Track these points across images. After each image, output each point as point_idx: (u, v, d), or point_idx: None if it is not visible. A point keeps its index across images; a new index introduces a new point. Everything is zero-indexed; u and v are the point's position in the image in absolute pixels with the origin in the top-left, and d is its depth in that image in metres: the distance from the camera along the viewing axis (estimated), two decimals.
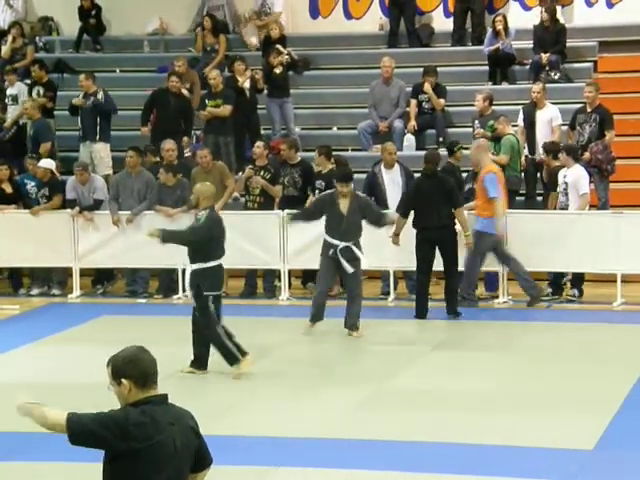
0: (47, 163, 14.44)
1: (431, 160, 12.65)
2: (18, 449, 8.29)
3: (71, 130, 16.14)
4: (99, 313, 13.19)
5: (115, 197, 14.11)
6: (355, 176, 14.32)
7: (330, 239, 11.60)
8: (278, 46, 16.41)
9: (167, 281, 14.11)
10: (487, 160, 13.12)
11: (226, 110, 15.20)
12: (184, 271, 13.85)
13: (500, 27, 16.27)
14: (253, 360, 10.13)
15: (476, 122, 14.85)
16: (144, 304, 13.83)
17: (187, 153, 15.36)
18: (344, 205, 11.59)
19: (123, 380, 4.32)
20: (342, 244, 11.51)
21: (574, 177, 13.15)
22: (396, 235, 12.44)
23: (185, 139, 15.49)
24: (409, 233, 13.30)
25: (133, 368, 4.33)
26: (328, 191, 12.21)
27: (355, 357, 10.95)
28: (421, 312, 12.34)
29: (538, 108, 14.76)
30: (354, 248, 11.54)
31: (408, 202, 12.48)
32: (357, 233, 11.66)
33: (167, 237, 10.48)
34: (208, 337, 10.08)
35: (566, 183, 13.26)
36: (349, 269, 11.53)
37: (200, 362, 10.18)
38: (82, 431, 4.30)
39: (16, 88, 16.54)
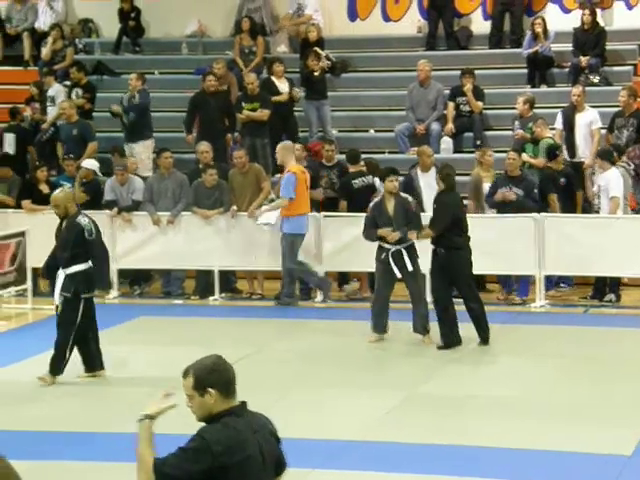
0: (91, 164, 14.50)
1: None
2: (50, 448, 8.34)
3: (108, 132, 16.25)
4: (136, 314, 13.26)
5: (150, 199, 14.17)
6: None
7: (383, 244, 11.48)
8: (317, 49, 16.42)
9: (203, 282, 14.16)
10: (291, 161, 13.29)
11: (264, 115, 15.23)
12: (220, 272, 14.00)
13: (539, 30, 16.19)
14: (101, 375, 10.32)
15: (516, 123, 14.78)
16: (180, 305, 13.88)
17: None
18: (391, 207, 11.51)
19: (210, 389, 4.22)
20: (394, 247, 11.42)
21: (606, 180, 13.11)
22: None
23: (228, 136, 15.56)
24: None
25: (218, 377, 4.25)
26: (377, 197, 12.04)
27: (388, 361, 10.92)
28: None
29: (577, 111, 14.68)
30: (404, 252, 11.38)
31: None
32: (406, 235, 11.45)
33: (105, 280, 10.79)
34: (60, 336, 10.12)
35: (599, 186, 13.22)
36: (398, 274, 11.39)
37: (95, 362, 10.31)
38: None
39: (54, 89, 16.67)
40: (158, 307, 13.68)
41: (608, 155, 13.34)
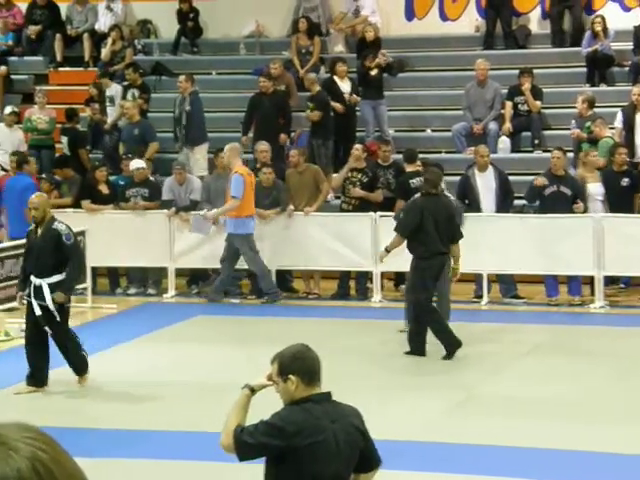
0: (139, 164, 14.60)
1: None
2: (111, 446, 8.43)
3: (166, 132, 16.37)
4: (194, 313, 13.35)
5: (207, 199, 14.26)
6: (449, 179, 14.35)
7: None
8: (382, 52, 16.43)
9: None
10: (238, 162, 13.53)
11: (314, 116, 15.25)
12: (277, 272, 14.05)
13: (599, 28, 16.04)
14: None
15: (573, 122, 14.66)
16: (237, 304, 13.95)
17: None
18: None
19: (290, 376, 4.41)
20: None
21: None
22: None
23: (282, 136, 15.61)
24: (503, 235, 13.21)
25: (300, 365, 4.43)
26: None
27: (448, 361, 10.88)
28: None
29: (638, 111, 14.52)
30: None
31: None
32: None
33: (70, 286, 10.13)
34: (69, 346, 9.85)
35: None
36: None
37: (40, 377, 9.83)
38: (245, 451, 4.46)
39: (113, 90, 16.84)
40: (215, 306, 13.76)
41: None
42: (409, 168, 13.80)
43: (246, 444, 4.39)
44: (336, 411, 4.47)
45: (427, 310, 10.76)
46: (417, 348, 10.84)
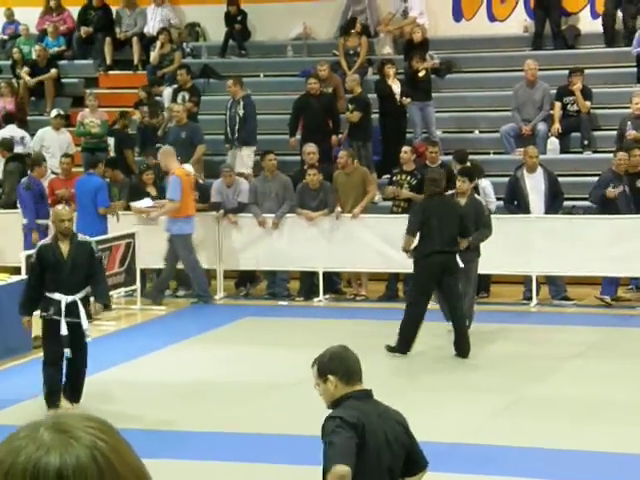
0: (188, 168, 14.65)
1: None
2: (162, 446, 8.48)
3: (215, 134, 16.45)
4: (242, 314, 13.39)
5: (254, 201, 14.32)
6: (497, 180, 14.28)
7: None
8: (429, 54, 16.40)
9: (308, 284, 14.23)
10: (174, 164, 13.73)
11: (354, 117, 15.24)
12: (324, 274, 14.06)
13: None
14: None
15: (629, 123, 14.47)
16: (286, 306, 13.97)
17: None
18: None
19: (329, 376, 4.47)
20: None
21: None
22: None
23: (334, 138, 15.63)
24: (552, 237, 13.11)
25: (338, 365, 4.48)
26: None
27: (498, 363, 10.82)
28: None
29: None
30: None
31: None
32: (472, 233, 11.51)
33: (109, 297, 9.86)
34: (84, 369, 9.38)
35: None
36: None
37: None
38: (345, 457, 4.34)
39: (164, 94, 16.95)
40: (263, 308, 13.80)
41: None
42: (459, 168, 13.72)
43: (349, 466, 4.28)
44: (379, 407, 4.52)
45: (415, 303, 10.85)
46: (404, 345, 10.96)
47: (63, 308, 9.02)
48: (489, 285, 14.04)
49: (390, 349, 10.94)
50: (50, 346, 9.22)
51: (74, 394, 9.36)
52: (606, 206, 13.28)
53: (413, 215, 11.32)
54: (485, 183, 13.96)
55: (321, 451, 4.46)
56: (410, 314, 10.88)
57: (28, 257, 10.74)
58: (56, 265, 9.06)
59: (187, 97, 16.64)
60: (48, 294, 9.07)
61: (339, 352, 4.55)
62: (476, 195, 11.88)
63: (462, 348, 10.83)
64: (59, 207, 9.65)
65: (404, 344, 10.89)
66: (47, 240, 9.47)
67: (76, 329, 9.10)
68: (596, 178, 14.77)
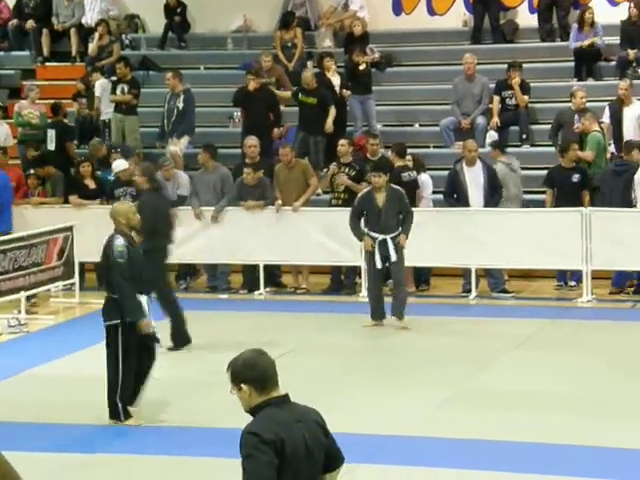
0: (122, 165, 14.50)
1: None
2: (103, 440, 8.42)
3: (154, 127, 16.34)
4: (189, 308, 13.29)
5: (195, 192, 14.27)
6: (437, 173, 14.36)
7: (370, 233, 11.86)
8: (370, 47, 16.43)
9: (250, 276, 14.19)
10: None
11: (333, 113, 15.14)
12: (265, 267, 14.05)
13: (590, 19, 16.07)
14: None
15: (576, 117, 14.55)
16: (226, 300, 13.94)
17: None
18: (380, 199, 11.79)
19: (242, 385, 4.26)
20: (380, 237, 11.74)
21: (638, 174, 13.09)
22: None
23: (276, 131, 15.60)
24: (490, 230, 13.23)
25: (250, 373, 4.26)
26: (366, 189, 12.27)
27: (438, 355, 10.90)
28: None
29: (625, 105, 14.55)
30: (389, 242, 11.70)
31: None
32: (395, 225, 11.80)
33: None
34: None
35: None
36: (378, 264, 11.75)
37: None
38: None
39: (101, 85, 16.80)
40: (203, 301, 13.74)
41: None
42: (398, 162, 13.81)
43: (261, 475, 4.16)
44: (298, 411, 4.32)
45: (168, 300, 11.02)
46: (180, 340, 11.07)
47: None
48: (429, 278, 14.14)
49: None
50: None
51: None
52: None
53: (147, 211, 10.82)
54: (424, 177, 14.06)
55: None
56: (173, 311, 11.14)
57: None
58: (135, 261, 8.91)
59: (126, 89, 16.51)
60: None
61: (252, 358, 4.29)
62: (393, 185, 12.03)
63: None
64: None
65: (175, 339, 11.12)
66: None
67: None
68: (534, 172, 14.95)
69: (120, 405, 8.74)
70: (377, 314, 12.00)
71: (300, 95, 15.50)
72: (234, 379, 4.28)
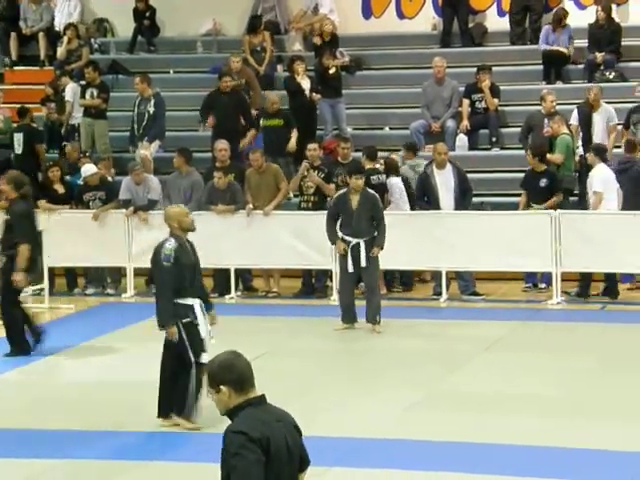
0: (91, 169, 14.44)
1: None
2: (69, 447, 8.37)
3: (124, 131, 16.29)
4: (152, 313, 13.17)
5: (167, 195, 14.25)
6: (407, 176, 14.37)
7: (344, 236, 11.87)
8: (340, 51, 16.44)
9: (221, 280, 14.16)
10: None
11: (295, 134, 15.03)
12: (237, 270, 14.02)
13: (564, 19, 16.19)
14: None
15: (545, 121, 14.61)
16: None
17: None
18: (355, 201, 11.81)
19: (221, 387, 4.27)
20: (354, 241, 11.72)
21: (591, 176, 13.30)
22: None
23: (248, 136, 15.55)
24: (461, 233, 13.27)
25: (229, 373, 4.27)
26: (341, 190, 12.29)
27: (408, 358, 10.91)
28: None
29: (594, 109, 14.62)
30: (362, 246, 11.69)
31: None
32: (369, 229, 11.77)
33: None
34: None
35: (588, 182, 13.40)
36: (350, 268, 11.75)
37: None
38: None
39: (70, 89, 16.72)
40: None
41: (600, 152, 13.37)
42: (368, 165, 13.83)
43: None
44: (276, 412, 4.35)
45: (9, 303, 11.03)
46: (17, 348, 11.03)
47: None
48: (412, 280, 14.18)
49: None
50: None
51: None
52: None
53: (22, 220, 10.98)
54: (394, 181, 14.06)
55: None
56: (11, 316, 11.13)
57: None
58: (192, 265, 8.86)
59: (95, 93, 16.46)
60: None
61: (229, 359, 4.31)
62: (368, 189, 12.06)
63: None
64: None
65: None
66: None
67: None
68: (504, 175, 15.02)
69: (192, 403, 8.63)
70: (348, 317, 12.00)
71: (263, 120, 15.38)
72: (212, 381, 4.30)
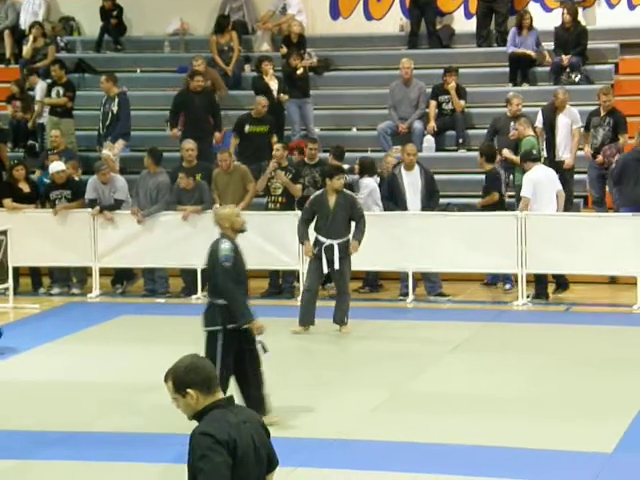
0: (59, 166, 14.37)
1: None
2: (35, 448, 8.32)
3: (91, 130, 16.21)
4: (118, 313, 13.22)
5: (137, 194, 14.20)
6: (376, 177, 14.38)
7: (318, 236, 11.83)
8: (308, 51, 16.45)
9: (191, 281, 14.09)
10: None
11: (275, 144, 14.61)
12: (203, 271, 13.96)
13: (528, 22, 16.29)
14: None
15: (511, 124, 14.67)
16: (163, 304, 13.85)
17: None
18: (332, 201, 11.78)
19: (188, 390, 4.25)
20: (328, 242, 11.69)
21: (523, 179, 13.38)
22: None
23: (217, 134, 15.54)
24: (428, 234, 13.31)
25: (195, 377, 4.26)
26: (319, 191, 12.27)
27: (374, 359, 10.93)
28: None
29: (559, 112, 14.70)
30: (336, 248, 11.63)
31: None
32: (344, 230, 11.74)
33: None
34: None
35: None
36: (325, 269, 11.71)
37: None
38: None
39: (37, 88, 16.63)
40: (140, 306, 13.66)
41: (528, 156, 13.47)
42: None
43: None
44: (244, 413, 4.35)
45: None
46: None
47: None
48: (376, 281, 14.20)
49: None
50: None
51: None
52: None
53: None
54: (366, 182, 14.03)
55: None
56: None
57: None
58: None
59: (62, 92, 16.38)
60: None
61: (194, 362, 4.30)
62: (345, 190, 12.06)
63: None
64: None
65: None
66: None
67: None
68: (470, 176, 15.06)
69: None
70: (306, 319, 11.91)
71: (248, 127, 15.16)
72: (178, 386, 4.28)
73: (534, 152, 13.68)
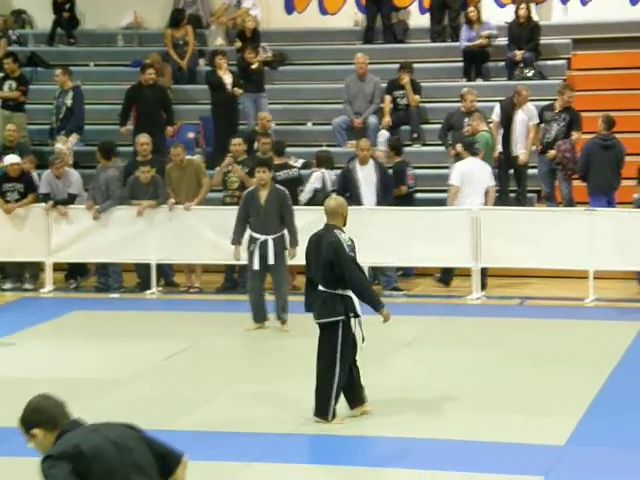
0: (14, 159, 14.26)
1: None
2: None
3: (43, 124, 16.09)
4: (71, 308, 13.13)
5: (92, 187, 14.11)
6: (331, 171, 14.41)
7: (252, 233, 11.71)
8: (262, 45, 16.43)
9: (145, 276, 14.03)
10: None
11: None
12: (157, 266, 13.92)
13: (474, 16, 16.36)
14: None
15: (465, 120, 14.71)
16: (117, 299, 13.78)
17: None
18: (263, 197, 11.69)
19: (35, 430, 4.36)
20: (262, 237, 11.60)
21: (452, 168, 13.67)
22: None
23: (169, 129, 15.49)
24: (383, 228, 13.35)
25: (39, 415, 4.37)
26: (251, 187, 12.20)
27: None
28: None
29: (517, 108, 14.77)
30: (270, 243, 11.54)
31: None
32: (277, 225, 11.64)
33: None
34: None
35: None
36: (256, 265, 11.57)
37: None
38: None
39: None
40: (94, 301, 13.58)
41: (469, 147, 13.59)
42: (277, 161, 13.80)
43: None
44: (94, 426, 4.39)
45: None
46: None
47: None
48: None
49: None
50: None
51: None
52: None
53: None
54: (316, 175, 14.04)
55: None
56: None
57: None
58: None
59: (14, 86, 16.24)
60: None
61: (37, 403, 4.42)
62: (278, 186, 11.98)
63: None
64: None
65: None
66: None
67: None
68: (425, 171, 15.12)
69: (333, 403, 8.44)
70: (258, 316, 11.87)
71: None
72: (25, 428, 4.39)
73: (477, 146, 13.76)
